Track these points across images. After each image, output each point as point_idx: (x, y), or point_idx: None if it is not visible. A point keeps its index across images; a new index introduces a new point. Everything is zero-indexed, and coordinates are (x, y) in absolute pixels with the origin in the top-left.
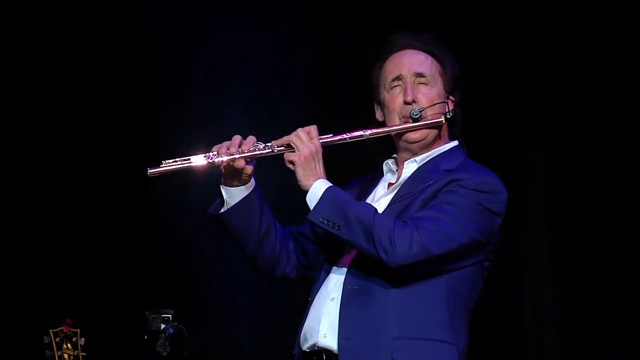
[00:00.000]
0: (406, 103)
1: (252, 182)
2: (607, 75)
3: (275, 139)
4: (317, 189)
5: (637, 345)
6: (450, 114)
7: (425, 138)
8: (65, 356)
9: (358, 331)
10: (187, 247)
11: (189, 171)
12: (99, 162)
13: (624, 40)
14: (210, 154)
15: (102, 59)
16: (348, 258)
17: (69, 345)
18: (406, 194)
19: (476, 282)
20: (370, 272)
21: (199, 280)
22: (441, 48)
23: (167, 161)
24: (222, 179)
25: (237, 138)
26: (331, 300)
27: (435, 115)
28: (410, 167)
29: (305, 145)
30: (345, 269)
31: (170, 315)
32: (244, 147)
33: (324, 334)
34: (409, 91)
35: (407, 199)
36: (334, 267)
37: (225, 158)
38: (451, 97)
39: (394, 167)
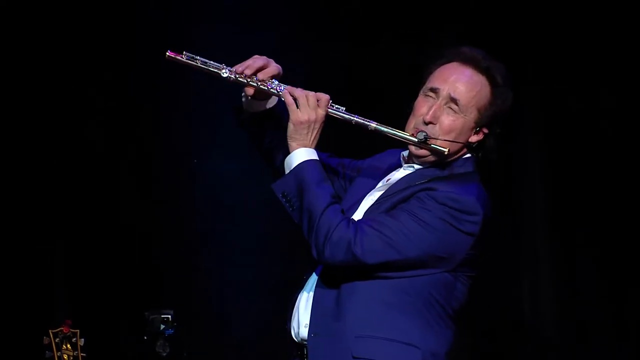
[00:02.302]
0: (424, 121)
1: (273, 100)
2: (607, 75)
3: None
4: (294, 157)
5: (637, 346)
6: (474, 147)
7: (425, 157)
8: (65, 357)
9: (325, 327)
10: (187, 247)
11: (202, 72)
12: (99, 162)
13: (624, 40)
14: (229, 69)
15: (102, 58)
16: None
17: (68, 345)
18: (387, 195)
19: (450, 289)
20: (341, 269)
21: (199, 280)
22: (501, 78)
23: (187, 53)
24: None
25: (258, 61)
26: (309, 293)
27: (444, 143)
28: (407, 170)
29: (306, 110)
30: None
31: (169, 316)
32: (260, 76)
33: (305, 324)
34: (432, 111)
35: (385, 201)
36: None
37: (233, 78)
38: (484, 130)
39: (402, 162)
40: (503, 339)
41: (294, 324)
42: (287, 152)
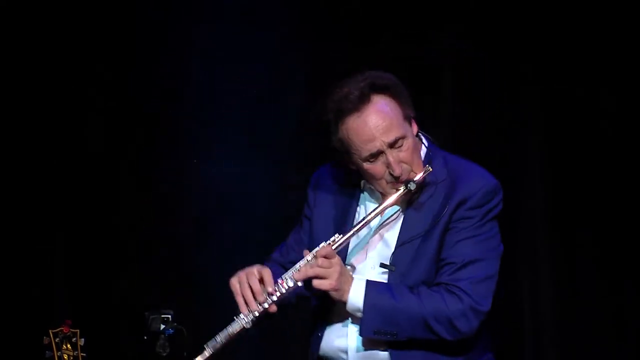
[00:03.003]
0: (394, 177)
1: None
2: (607, 75)
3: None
4: (355, 300)
5: (637, 346)
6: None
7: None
8: (65, 357)
9: None
10: (187, 248)
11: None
12: (99, 162)
13: (624, 40)
14: (242, 315)
15: (102, 58)
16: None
17: (68, 345)
18: (414, 233)
19: None
20: None
21: (199, 280)
22: (385, 79)
23: (208, 345)
24: None
25: (253, 281)
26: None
27: (420, 167)
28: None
29: (330, 271)
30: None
31: (169, 316)
32: (269, 289)
33: None
34: (394, 167)
35: (418, 240)
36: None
37: (256, 315)
38: (412, 117)
39: (374, 194)
40: (503, 339)
41: None
42: None
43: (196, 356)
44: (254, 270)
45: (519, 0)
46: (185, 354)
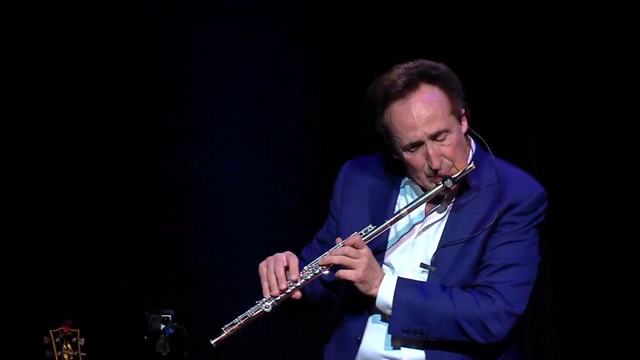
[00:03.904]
0: (433, 170)
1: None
2: (607, 75)
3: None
4: (384, 296)
5: (637, 346)
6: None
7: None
8: (65, 356)
9: None
10: (187, 248)
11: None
12: (99, 162)
13: (625, 40)
14: (264, 299)
15: (102, 58)
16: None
17: (68, 345)
18: (458, 236)
19: None
20: None
21: (199, 280)
22: (438, 70)
23: (226, 327)
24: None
25: (279, 267)
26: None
27: (463, 163)
28: (452, 192)
29: (357, 261)
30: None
31: (170, 316)
32: (293, 277)
33: None
34: (433, 160)
35: (462, 244)
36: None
37: (278, 300)
38: (463, 114)
39: (415, 187)
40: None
41: None
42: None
43: (196, 354)
44: (282, 256)
45: (519, 0)
46: (185, 353)
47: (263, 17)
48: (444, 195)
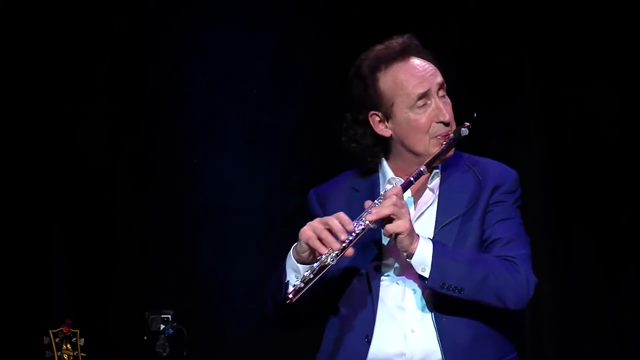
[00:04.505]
0: (444, 124)
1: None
2: (607, 75)
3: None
4: (423, 251)
5: (637, 345)
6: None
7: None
8: (65, 357)
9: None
10: (187, 248)
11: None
12: (99, 162)
13: (626, 40)
14: (322, 256)
15: (102, 58)
16: (406, 279)
17: (68, 345)
18: (452, 215)
19: None
20: (446, 299)
21: (199, 280)
22: (423, 48)
23: (296, 283)
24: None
25: (335, 223)
26: (412, 332)
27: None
28: (434, 182)
29: (404, 211)
30: (410, 297)
31: (169, 316)
32: (349, 227)
33: None
34: (443, 111)
35: (457, 222)
36: (386, 289)
37: (340, 252)
38: None
39: (400, 181)
40: None
41: None
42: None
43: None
44: (326, 217)
45: (519, 0)
46: (185, 353)
47: (263, 17)
48: (422, 179)
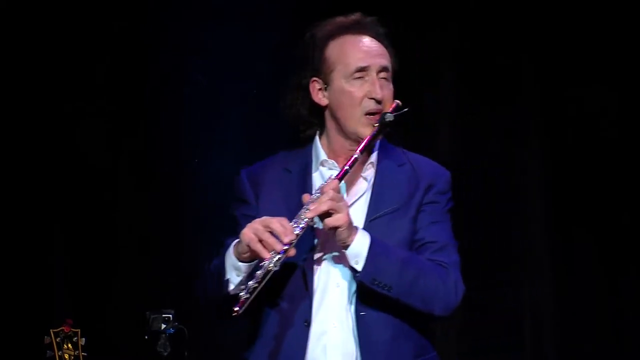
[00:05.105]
0: (376, 100)
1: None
2: (607, 73)
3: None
4: (359, 244)
5: (637, 345)
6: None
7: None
8: (66, 356)
9: None
10: (188, 247)
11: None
12: (99, 162)
13: (626, 41)
14: (265, 261)
15: (102, 58)
16: (330, 276)
17: (69, 345)
18: (384, 209)
19: None
20: (370, 294)
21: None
22: (384, 34)
23: (242, 294)
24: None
25: (277, 226)
26: (333, 327)
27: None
28: (368, 172)
29: (341, 204)
30: (334, 289)
31: (170, 315)
32: (294, 231)
33: None
34: (377, 89)
35: (388, 216)
36: (312, 285)
37: (283, 254)
38: None
39: (333, 164)
40: (503, 338)
41: None
42: None
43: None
44: (266, 218)
45: (519, 0)
46: (185, 353)
47: (263, 17)
48: (357, 165)
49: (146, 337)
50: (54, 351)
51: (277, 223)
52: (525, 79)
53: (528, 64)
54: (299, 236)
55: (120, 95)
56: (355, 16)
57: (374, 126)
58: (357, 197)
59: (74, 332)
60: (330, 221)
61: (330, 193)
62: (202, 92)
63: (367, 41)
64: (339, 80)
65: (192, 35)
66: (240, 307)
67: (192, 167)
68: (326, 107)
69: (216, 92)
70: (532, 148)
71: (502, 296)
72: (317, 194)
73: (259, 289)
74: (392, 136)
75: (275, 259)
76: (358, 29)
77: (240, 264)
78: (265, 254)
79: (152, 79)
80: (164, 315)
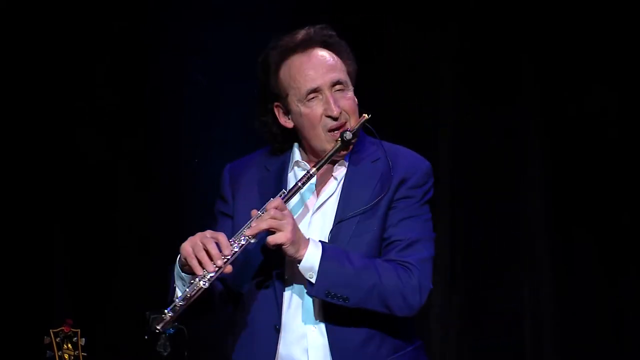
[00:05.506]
0: (332, 118)
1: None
2: (607, 73)
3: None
4: (310, 258)
5: (637, 345)
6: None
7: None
8: (66, 356)
9: None
10: None
11: (194, 301)
12: (99, 162)
13: (626, 41)
14: (199, 277)
15: (102, 58)
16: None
17: (69, 345)
18: (352, 211)
19: None
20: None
21: None
22: (335, 38)
23: (168, 310)
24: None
25: (212, 247)
26: (312, 330)
27: (356, 120)
28: (339, 171)
29: (284, 222)
30: (303, 296)
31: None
32: (226, 252)
33: None
34: (332, 106)
35: (357, 218)
36: (282, 291)
37: (213, 275)
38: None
39: (305, 165)
40: (503, 338)
41: None
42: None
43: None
44: (207, 234)
45: (519, 0)
46: (185, 353)
47: (263, 17)
48: (330, 167)
49: (146, 337)
50: (54, 351)
51: (212, 243)
52: (525, 79)
53: (528, 64)
54: (236, 254)
55: (120, 95)
56: (301, 32)
57: (337, 141)
58: (326, 198)
59: (74, 332)
60: (271, 239)
61: (271, 212)
62: (202, 92)
63: (315, 58)
64: (295, 104)
65: (192, 35)
66: (162, 328)
67: (192, 167)
68: (293, 127)
69: (216, 92)
70: (532, 148)
71: (502, 296)
72: (263, 211)
73: (185, 306)
74: (373, 133)
75: (207, 277)
76: (305, 46)
77: (184, 274)
78: (198, 270)
79: (152, 79)
80: (164, 315)
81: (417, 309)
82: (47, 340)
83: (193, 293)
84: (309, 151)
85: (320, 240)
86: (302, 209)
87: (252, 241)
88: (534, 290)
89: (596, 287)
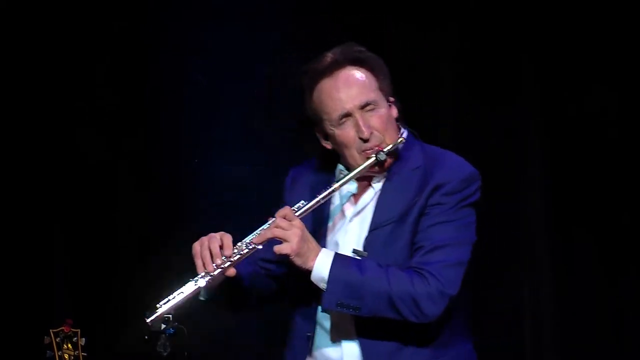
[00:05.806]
0: (363, 140)
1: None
2: (607, 73)
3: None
4: (321, 269)
5: (637, 345)
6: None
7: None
8: (66, 356)
9: None
10: (188, 247)
11: (187, 301)
12: (100, 162)
13: (626, 41)
14: (198, 277)
15: (102, 58)
16: None
17: (69, 345)
18: (386, 218)
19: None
20: None
21: None
22: (364, 53)
23: (161, 303)
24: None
25: (214, 244)
26: (346, 337)
27: (393, 138)
28: (378, 179)
29: (290, 233)
30: None
31: (170, 315)
32: (227, 253)
33: None
34: (363, 129)
35: (391, 225)
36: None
37: (216, 273)
38: (391, 99)
39: (344, 171)
40: (503, 338)
41: None
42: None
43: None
44: (216, 235)
45: (519, 0)
46: (185, 353)
47: (263, 17)
48: (372, 177)
49: (146, 338)
50: (54, 351)
51: (216, 243)
52: (525, 79)
53: (528, 64)
54: (242, 257)
55: (120, 95)
56: (328, 55)
57: (367, 159)
58: (364, 206)
59: (74, 332)
60: (276, 249)
61: (278, 220)
62: (202, 92)
63: (342, 81)
64: (329, 128)
65: (192, 35)
66: (152, 321)
67: (192, 167)
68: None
69: (216, 92)
70: (532, 148)
71: (502, 296)
72: (271, 221)
73: (178, 303)
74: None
75: (204, 278)
76: (332, 68)
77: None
78: (199, 269)
79: (152, 79)
80: (164, 315)
81: (433, 316)
82: (47, 340)
83: (188, 291)
84: (350, 169)
85: (337, 253)
86: (340, 216)
87: (259, 247)
88: (534, 290)
89: (596, 287)
